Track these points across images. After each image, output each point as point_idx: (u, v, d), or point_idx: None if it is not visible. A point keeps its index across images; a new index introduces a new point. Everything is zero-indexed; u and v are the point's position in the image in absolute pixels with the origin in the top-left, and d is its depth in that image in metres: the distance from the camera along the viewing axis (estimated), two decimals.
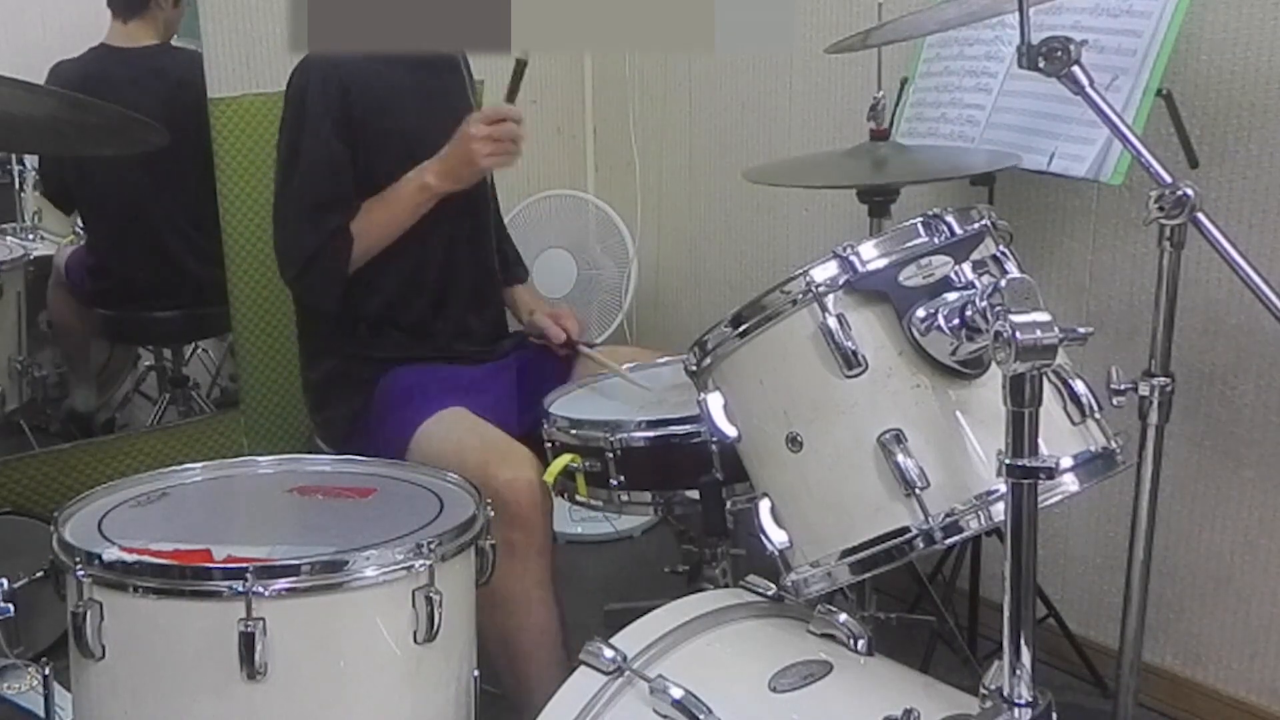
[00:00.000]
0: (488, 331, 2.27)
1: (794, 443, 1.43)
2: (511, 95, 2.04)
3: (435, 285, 2.17)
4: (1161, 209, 1.53)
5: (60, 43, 2.53)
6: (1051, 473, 1.18)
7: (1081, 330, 1.26)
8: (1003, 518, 1.21)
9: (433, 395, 2.03)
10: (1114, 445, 1.43)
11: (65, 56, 2.52)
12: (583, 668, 1.41)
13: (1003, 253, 1.45)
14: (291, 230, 2.07)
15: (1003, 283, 1.18)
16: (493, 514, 1.63)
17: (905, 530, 1.36)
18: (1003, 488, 1.20)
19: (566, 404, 1.99)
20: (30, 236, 2.71)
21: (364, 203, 2.06)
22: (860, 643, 1.44)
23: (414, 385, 2.07)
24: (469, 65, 2.33)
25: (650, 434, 1.80)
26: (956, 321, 1.32)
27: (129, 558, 1.40)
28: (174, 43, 2.70)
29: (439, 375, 2.11)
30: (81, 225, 2.73)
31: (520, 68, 2.03)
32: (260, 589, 1.35)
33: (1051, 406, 1.35)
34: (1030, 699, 1.20)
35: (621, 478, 1.82)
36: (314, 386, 2.23)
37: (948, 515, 1.34)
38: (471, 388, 2.10)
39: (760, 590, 1.57)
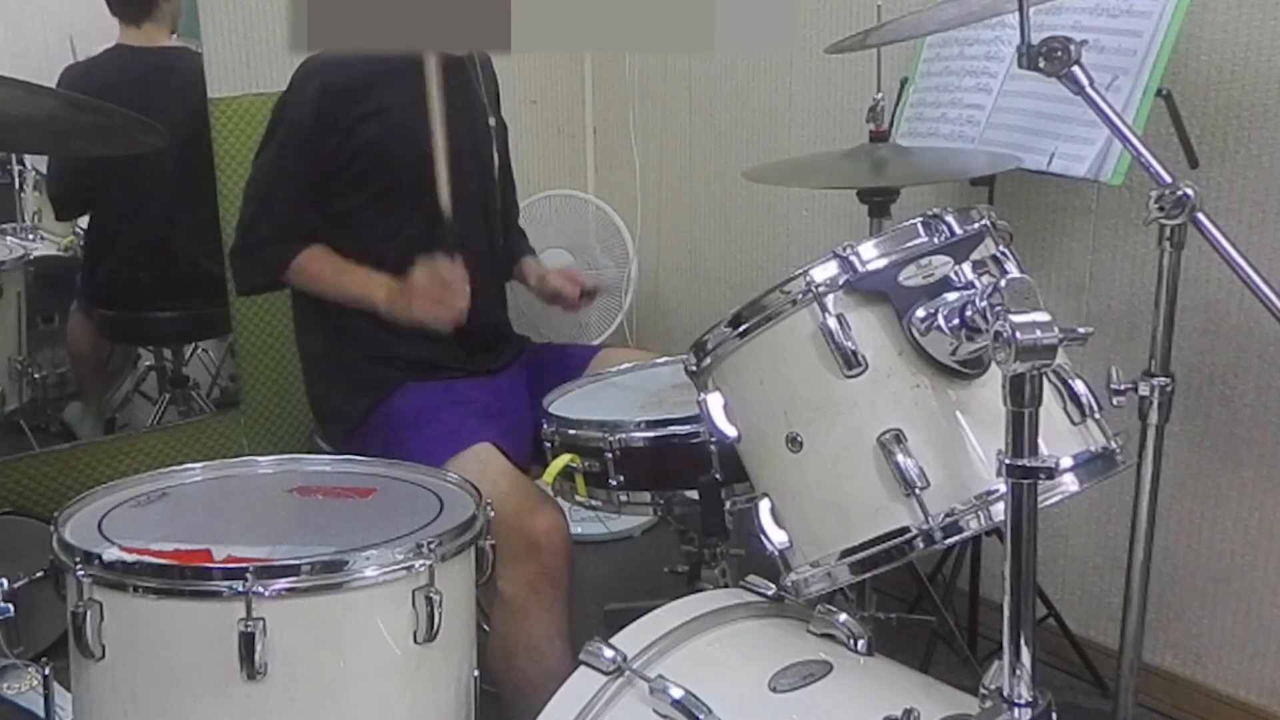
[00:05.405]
0: (495, 342, 2.24)
1: (794, 443, 1.43)
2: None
3: None
4: (1161, 209, 1.53)
5: (61, 43, 2.53)
6: (1051, 473, 1.18)
7: (1081, 330, 1.26)
8: (1003, 518, 1.21)
9: (457, 423, 2.00)
10: (1114, 445, 1.42)
11: (65, 58, 2.52)
12: (583, 668, 1.41)
13: (1003, 253, 1.45)
14: (254, 235, 2.11)
15: (1003, 283, 1.18)
16: (516, 555, 1.76)
17: (905, 530, 1.36)
18: (1003, 488, 1.21)
19: (565, 404, 1.99)
20: (30, 236, 2.71)
21: (323, 253, 2.09)
22: (860, 643, 1.44)
23: (433, 407, 2.05)
24: (485, 66, 2.28)
25: (649, 434, 1.80)
26: (956, 321, 1.32)
27: (129, 558, 1.40)
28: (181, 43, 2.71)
29: (455, 395, 2.08)
30: (85, 227, 2.72)
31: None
32: (260, 589, 1.35)
33: (1051, 406, 1.35)
34: (1030, 699, 1.20)
35: (621, 478, 1.82)
36: (317, 388, 2.23)
37: (948, 515, 1.34)
38: (489, 412, 2.06)
39: (760, 590, 1.57)
